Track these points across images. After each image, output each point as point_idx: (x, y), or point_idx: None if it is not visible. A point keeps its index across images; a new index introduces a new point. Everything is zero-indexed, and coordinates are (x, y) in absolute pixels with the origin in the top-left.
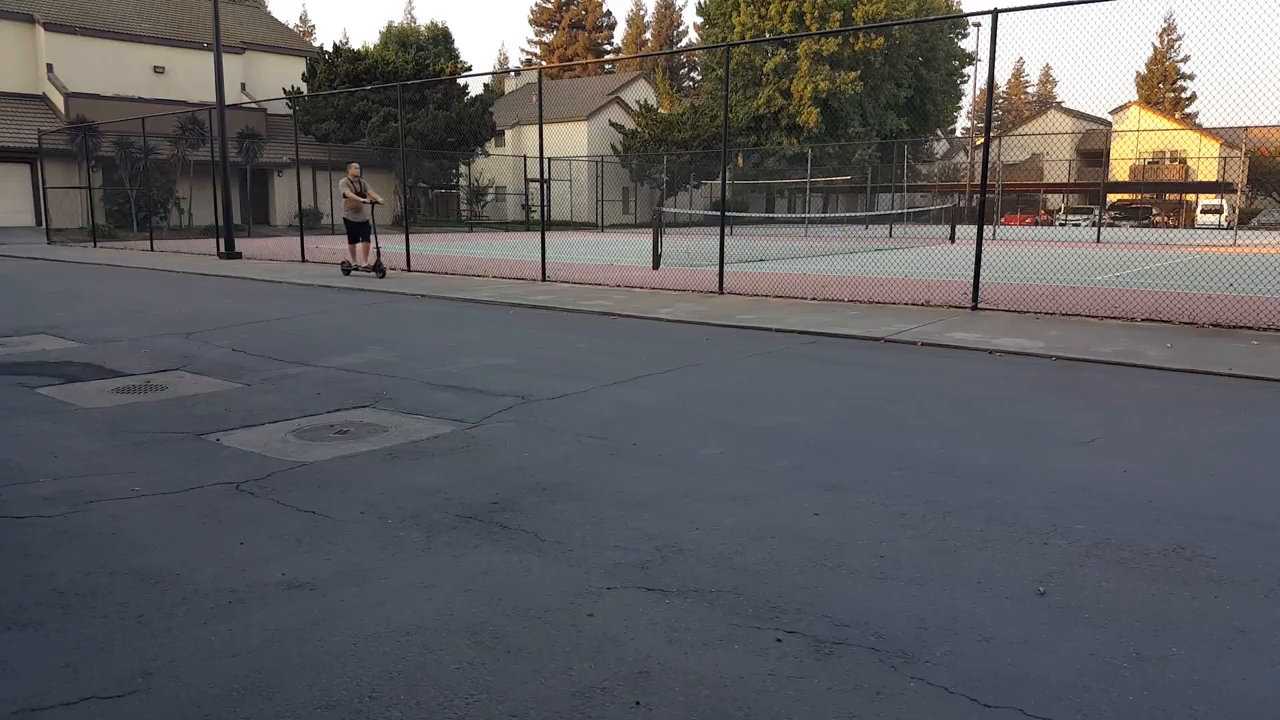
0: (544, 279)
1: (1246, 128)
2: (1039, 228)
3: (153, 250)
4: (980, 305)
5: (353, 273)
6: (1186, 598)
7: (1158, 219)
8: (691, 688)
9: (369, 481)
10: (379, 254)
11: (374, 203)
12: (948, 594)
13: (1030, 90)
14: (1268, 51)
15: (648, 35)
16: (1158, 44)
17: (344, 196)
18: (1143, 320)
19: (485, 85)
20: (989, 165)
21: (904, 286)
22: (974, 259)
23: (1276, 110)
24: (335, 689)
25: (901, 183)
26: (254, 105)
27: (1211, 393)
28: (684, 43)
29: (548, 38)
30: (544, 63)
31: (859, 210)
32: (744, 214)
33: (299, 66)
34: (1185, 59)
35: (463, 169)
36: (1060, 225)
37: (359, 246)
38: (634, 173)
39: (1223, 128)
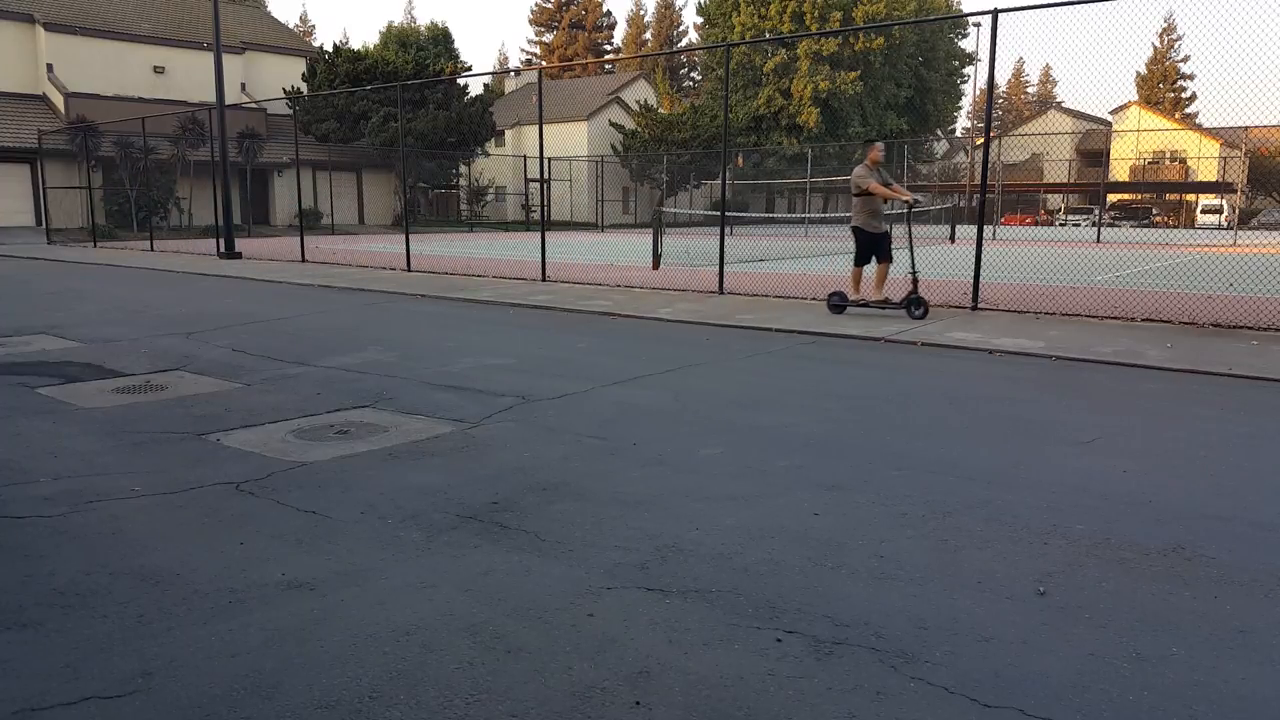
0: (544, 279)
1: (1246, 128)
2: (1039, 228)
3: (153, 250)
4: (980, 305)
5: (849, 309)
6: (1186, 598)
7: (1158, 219)
8: (691, 688)
9: (369, 481)
10: (915, 282)
11: (911, 204)
12: (948, 594)
13: (1030, 90)
14: (1268, 51)
15: (648, 35)
16: (1158, 44)
17: (860, 191)
18: (1143, 320)
19: (485, 85)
20: (989, 165)
21: (904, 286)
22: (974, 259)
23: (1276, 110)
24: (335, 689)
25: (902, 183)
26: (254, 105)
27: (1211, 393)
28: (684, 43)
29: (548, 38)
30: (544, 63)
31: None
32: (744, 214)
33: (299, 66)
34: (1185, 59)
35: (463, 169)
36: (1060, 225)
37: (870, 270)
38: (634, 173)
39: (1223, 128)
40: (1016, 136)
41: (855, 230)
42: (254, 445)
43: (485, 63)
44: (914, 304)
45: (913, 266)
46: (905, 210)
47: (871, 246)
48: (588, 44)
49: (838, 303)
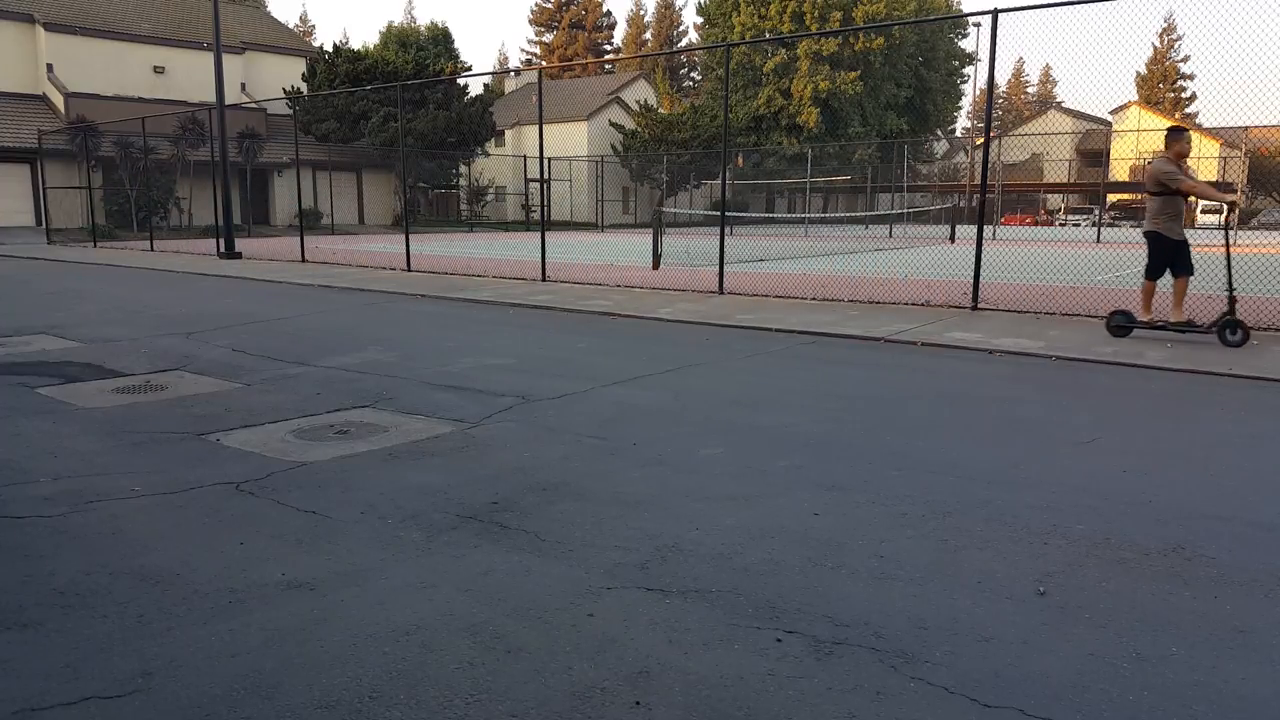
0: (544, 279)
1: (1246, 128)
2: (1039, 228)
3: (153, 250)
4: (980, 305)
5: (1135, 331)
6: (1186, 598)
7: None
8: (691, 688)
9: (369, 481)
10: (1233, 301)
11: (1231, 206)
12: (948, 594)
13: (1030, 90)
14: (1268, 51)
15: (648, 35)
16: (1158, 44)
17: (1162, 190)
18: None
19: (485, 85)
20: (989, 165)
21: (904, 286)
22: (974, 259)
23: (1276, 110)
24: (335, 689)
25: (901, 183)
26: (254, 105)
27: (1211, 393)
28: (684, 43)
29: (548, 38)
30: (544, 63)
31: (859, 210)
32: (744, 214)
33: (299, 66)
34: (1185, 59)
35: (463, 169)
36: (1060, 225)
37: (1163, 285)
38: (634, 173)
39: (1223, 128)
40: (1016, 136)
41: (1151, 236)
42: (254, 445)
43: (485, 63)
44: (1230, 327)
45: (1229, 282)
46: (1225, 213)
47: (1170, 256)
48: (588, 44)
49: (1122, 323)
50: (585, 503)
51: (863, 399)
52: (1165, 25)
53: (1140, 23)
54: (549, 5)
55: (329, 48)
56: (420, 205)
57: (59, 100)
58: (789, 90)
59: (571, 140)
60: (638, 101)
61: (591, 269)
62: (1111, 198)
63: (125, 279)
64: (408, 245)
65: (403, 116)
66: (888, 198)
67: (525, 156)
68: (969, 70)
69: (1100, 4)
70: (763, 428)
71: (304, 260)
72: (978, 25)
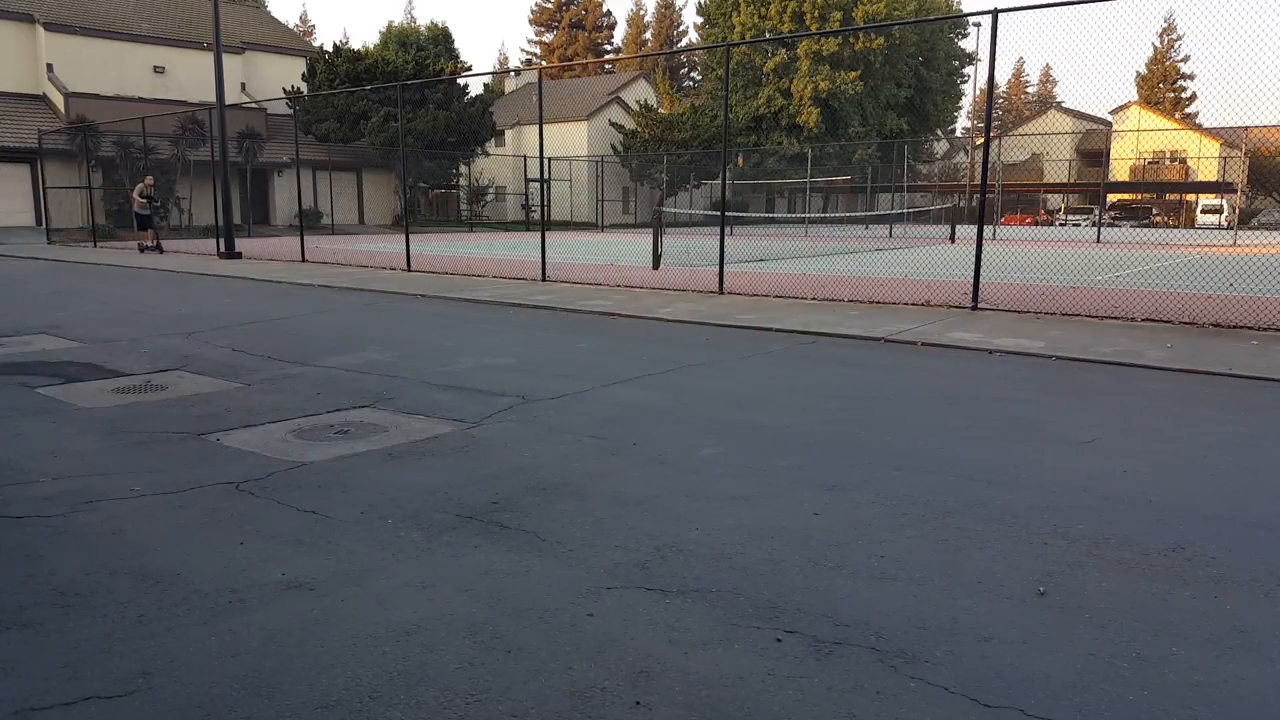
0: (544, 279)
1: (1246, 128)
2: (1039, 228)
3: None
4: (980, 305)
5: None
6: (1186, 598)
7: (1158, 219)
8: (691, 688)
9: (369, 481)
10: None
11: None
12: (948, 594)
13: (1030, 90)
14: (1268, 51)
15: (648, 35)
16: (1158, 44)
17: None
18: (1143, 320)
19: (485, 85)
20: (989, 165)
21: (904, 286)
22: (974, 259)
23: (1277, 110)
24: (335, 689)
25: (901, 183)
26: (254, 105)
27: (1211, 393)
28: (684, 43)
29: (548, 38)
30: (544, 63)
31: (859, 210)
32: (744, 214)
33: (299, 66)
34: (1185, 59)
35: (463, 169)
36: (1060, 225)
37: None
38: (634, 173)
39: (1223, 128)
40: (1016, 136)
41: None
42: (254, 445)
43: (485, 62)
44: None
45: None
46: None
47: None
48: (588, 44)
49: None
50: (585, 502)
51: (863, 399)
52: (1165, 25)
53: (1140, 23)
54: (549, 5)
55: (329, 48)
56: (420, 205)
57: (59, 100)
58: (789, 90)
59: (571, 140)
60: (638, 101)
61: (591, 269)
62: (1112, 198)
63: (125, 279)
64: (408, 245)
65: (403, 116)
66: (888, 198)
67: (525, 156)
68: (969, 70)
69: (1100, 4)
70: (763, 427)
71: (304, 260)
72: (978, 25)
